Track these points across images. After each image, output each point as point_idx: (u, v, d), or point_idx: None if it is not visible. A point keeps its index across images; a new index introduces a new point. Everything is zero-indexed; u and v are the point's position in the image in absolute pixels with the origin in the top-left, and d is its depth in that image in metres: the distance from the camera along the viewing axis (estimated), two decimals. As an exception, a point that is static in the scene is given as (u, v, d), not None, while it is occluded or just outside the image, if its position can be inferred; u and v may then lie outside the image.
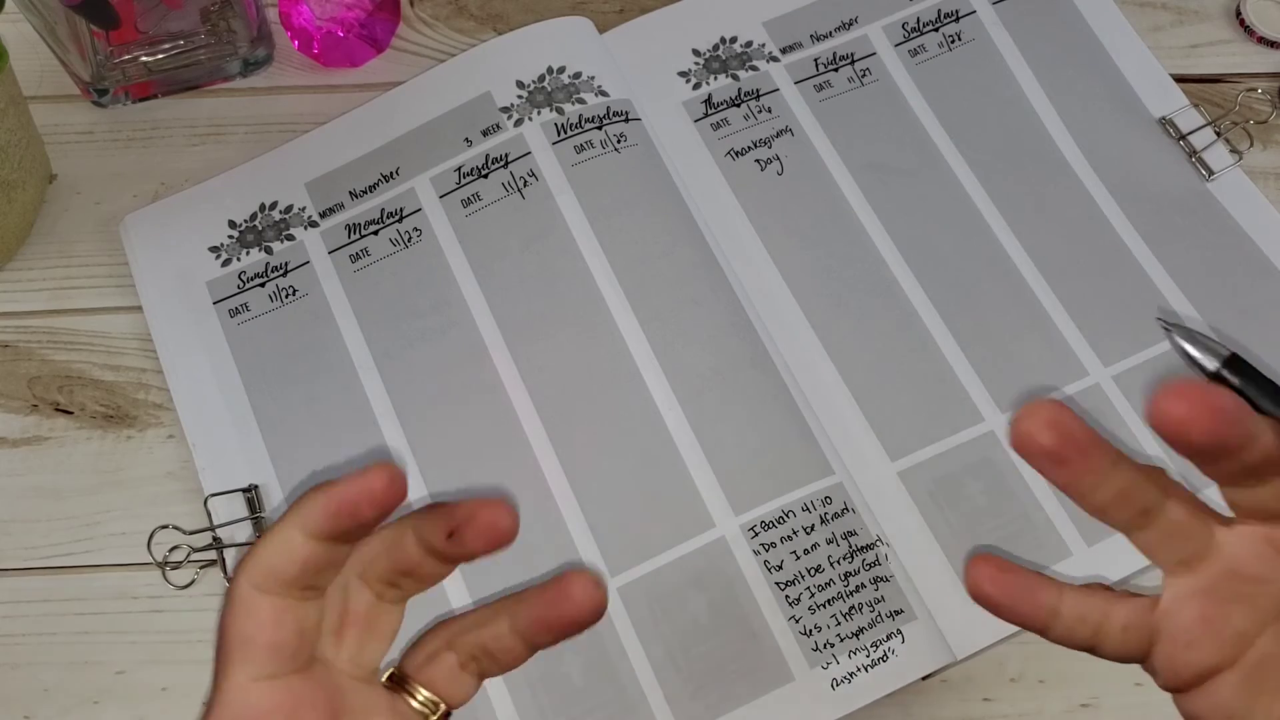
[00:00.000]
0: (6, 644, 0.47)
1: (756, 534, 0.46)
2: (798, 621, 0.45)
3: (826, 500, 0.46)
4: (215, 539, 0.48)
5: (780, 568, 0.45)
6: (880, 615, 0.45)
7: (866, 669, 0.44)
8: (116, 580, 0.48)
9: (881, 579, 0.45)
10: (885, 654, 0.44)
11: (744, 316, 0.50)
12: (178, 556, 0.48)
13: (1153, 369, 0.50)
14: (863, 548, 0.46)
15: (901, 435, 0.49)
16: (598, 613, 0.31)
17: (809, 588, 0.45)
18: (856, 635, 0.44)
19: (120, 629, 0.47)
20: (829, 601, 0.45)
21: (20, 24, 0.55)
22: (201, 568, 0.48)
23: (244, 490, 0.48)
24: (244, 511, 0.48)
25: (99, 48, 0.55)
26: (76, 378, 0.52)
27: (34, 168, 0.53)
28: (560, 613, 0.31)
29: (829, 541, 0.46)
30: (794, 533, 0.46)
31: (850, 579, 0.45)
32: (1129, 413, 0.49)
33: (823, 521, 0.46)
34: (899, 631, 0.45)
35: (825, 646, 0.44)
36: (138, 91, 0.57)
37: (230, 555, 0.47)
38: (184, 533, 0.48)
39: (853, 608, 0.45)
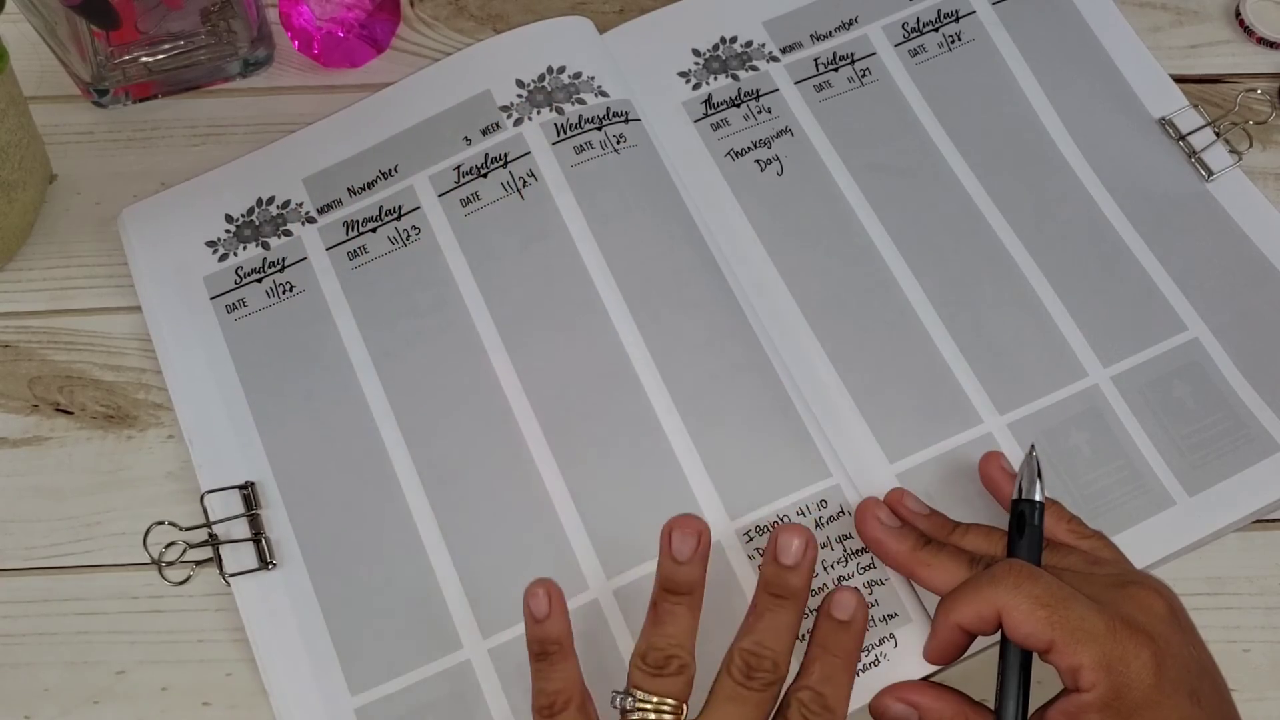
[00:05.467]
0: (6, 644, 0.47)
1: (751, 539, 0.46)
2: (794, 623, 0.44)
3: (822, 504, 0.46)
4: (211, 535, 0.48)
5: (776, 570, 0.45)
6: (874, 619, 0.45)
7: (859, 673, 0.44)
8: (116, 580, 0.48)
9: (876, 582, 0.45)
10: (877, 658, 0.44)
11: (743, 318, 0.50)
12: (173, 553, 0.48)
13: (1153, 369, 0.50)
14: (858, 551, 0.46)
15: (900, 437, 0.49)
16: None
17: (805, 590, 0.45)
18: (852, 638, 0.44)
19: (120, 629, 0.48)
20: (825, 603, 0.45)
21: (20, 24, 0.55)
22: (197, 564, 0.48)
23: (240, 487, 0.48)
24: (240, 508, 0.48)
25: (99, 48, 0.55)
26: (77, 378, 0.52)
27: (34, 168, 0.53)
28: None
29: (824, 545, 0.45)
30: (790, 536, 0.46)
31: (844, 583, 0.45)
32: (1128, 415, 0.49)
33: (818, 525, 0.46)
34: (891, 636, 0.44)
35: (821, 648, 0.44)
36: (138, 92, 0.57)
37: (226, 552, 0.48)
38: (179, 529, 0.49)
39: (848, 610, 0.45)
